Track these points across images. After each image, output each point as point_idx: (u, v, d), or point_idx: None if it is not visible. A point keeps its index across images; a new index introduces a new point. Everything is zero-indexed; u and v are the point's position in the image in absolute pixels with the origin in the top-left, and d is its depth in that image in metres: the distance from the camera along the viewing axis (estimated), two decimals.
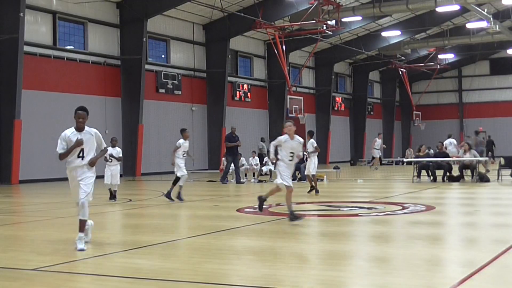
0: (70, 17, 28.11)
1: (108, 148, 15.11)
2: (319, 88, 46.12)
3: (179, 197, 15.10)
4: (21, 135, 24.77)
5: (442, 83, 57.43)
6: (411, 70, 51.18)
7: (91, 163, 8.20)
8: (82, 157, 8.18)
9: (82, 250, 7.82)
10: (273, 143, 10.95)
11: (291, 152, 10.62)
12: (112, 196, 15.46)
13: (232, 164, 23.44)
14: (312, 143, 17.51)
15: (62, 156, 8.18)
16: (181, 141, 15.42)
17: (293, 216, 10.23)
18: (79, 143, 8.09)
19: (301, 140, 10.85)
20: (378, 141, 34.97)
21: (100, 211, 13.52)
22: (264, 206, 13.73)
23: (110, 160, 15.39)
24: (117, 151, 15.62)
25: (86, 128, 8.39)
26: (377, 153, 34.59)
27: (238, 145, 23.21)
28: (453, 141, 29.23)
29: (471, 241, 8.66)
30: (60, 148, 8.20)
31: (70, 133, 8.27)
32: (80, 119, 8.35)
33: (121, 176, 21.86)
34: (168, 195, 15.21)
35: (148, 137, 31.18)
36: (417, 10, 36.48)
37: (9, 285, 6.07)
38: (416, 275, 6.15)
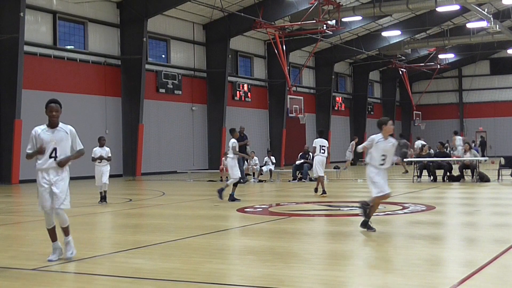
0: (70, 17, 28.11)
1: (95, 149, 14.93)
2: (319, 88, 46.12)
3: (220, 194, 14.88)
4: (21, 135, 24.77)
5: (442, 83, 57.44)
6: (411, 70, 51.19)
7: (60, 163, 7.12)
8: (55, 158, 7.13)
9: (72, 254, 7.34)
10: (364, 144, 9.40)
11: (383, 155, 9.15)
12: (102, 197, 14.91)
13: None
14: (316, 142, 16.87)
15: (28, 157, 7.22)
16: (233, 140, 15.23)
17: (366, 225, 9.19)
18: (40, 151, 7.11)
19: (395, 141, 9.42)
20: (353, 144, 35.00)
21: (100, 210, 13.53)
22: (264, 206, 13.75)
23: (99, 161, 14.87)
24: (106, 151, 15.01)
25: (61, 124, 7.32)
26: (350, 156, 34.69)
27: (247, 144, 23.08)
28: (422, 142, 29.48)
29: (471, 241, 8.66)
30: (28, 147, 7.24)
31: (41, 130, 7.21)
32: (53, 112, 7.20)
33: (115, 176, 21.74)
34: (232, 198, 14.91)
35: (148, 137, 31.17)
36: (417, 10, 36.46)
37: (9, 285, 6.07)
38: (416, 275, 6.15)
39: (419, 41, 46.19)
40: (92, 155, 14.89)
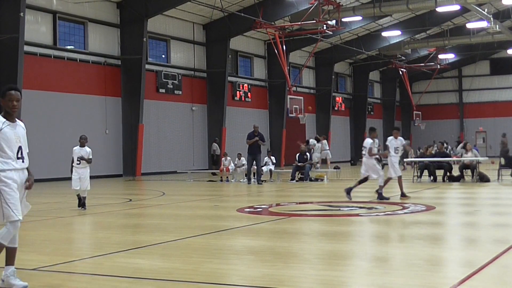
0: (70, 17, 28.11)
1: (75, 149, 13.65)
2: (320, 88, 46.12)
3: (380, 195, 14.13)
4: None
5: (442, 83, 57.43)
6: (411, 70, 51.19)
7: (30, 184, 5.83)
8: (22, 159, 5.79)
9: (26, 286, 5.73)
10: None
11: None
12: (81, 203, 13.55)
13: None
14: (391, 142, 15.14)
15: None
16: (370, 140, 14.52)
17: None
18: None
19: None
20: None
21: (100, 210, 13.53)
22: (264, 206, 13.74)
23: (78, 162, 13.49)
24: (86, 152, 13.56)
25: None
26: (326, 154, 33.81)
27: (255, 141, 22.59)
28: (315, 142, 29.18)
29: (471, 241, 8.66)
30: None
31: (2, 124, 5.69)
32: (15, 102, 5.72)
33: (115, 176, 21.38)
34: (380, 196, 14.16)
35: (148, 137, 31.17)
36: (417, 10, 36.47)
37: None
38: (416, 275, 6.15)
39: (419, 41, 46.19)
40: (73, 155, 13.69)
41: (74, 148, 13.71)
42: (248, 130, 37.41)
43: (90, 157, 13.60)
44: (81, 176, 13.43)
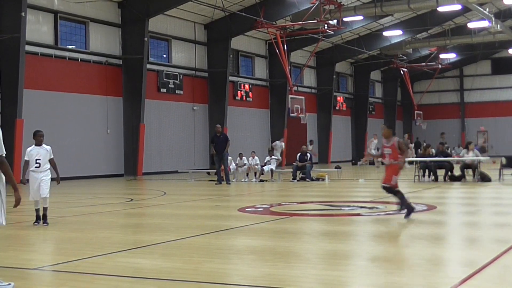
0: (71, 16, 28.11)
1: (30, 149, 10.77)
2: (321, 88, 46.11)
3: None
4: (23, 135, 24.79)
5: (444, 82, 57.40)
6: (413, 69, 51.18)
7: None
8: None
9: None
10: None
11: None
12: (38, 217, 10.71)
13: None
14: None
15: None
16: None
17: None
18: None
19: None
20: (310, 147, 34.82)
21: (101, 210, 13.53)
22: (265, 206, 13.74)
23: (38, 166, 10.63)
24: (46, 151, 10.68)
25: None
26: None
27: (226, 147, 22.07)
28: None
29: (472, 241, 8.65)
30: None
31: None
32: None
33: (116, 176, 21.01)
34: None
35: (149, 137, 31.17)
36: (418, 10, 36.46)
37: None
38: (417, 275, 6.15)
39: (420, 40, 46.17)
40: (26, 158, 10.78)
41: (30, 149, 10.77)
42: (249, 129, 37.72)
43: (52, 156, 10.76)
44: (41, 183, 10.56)
